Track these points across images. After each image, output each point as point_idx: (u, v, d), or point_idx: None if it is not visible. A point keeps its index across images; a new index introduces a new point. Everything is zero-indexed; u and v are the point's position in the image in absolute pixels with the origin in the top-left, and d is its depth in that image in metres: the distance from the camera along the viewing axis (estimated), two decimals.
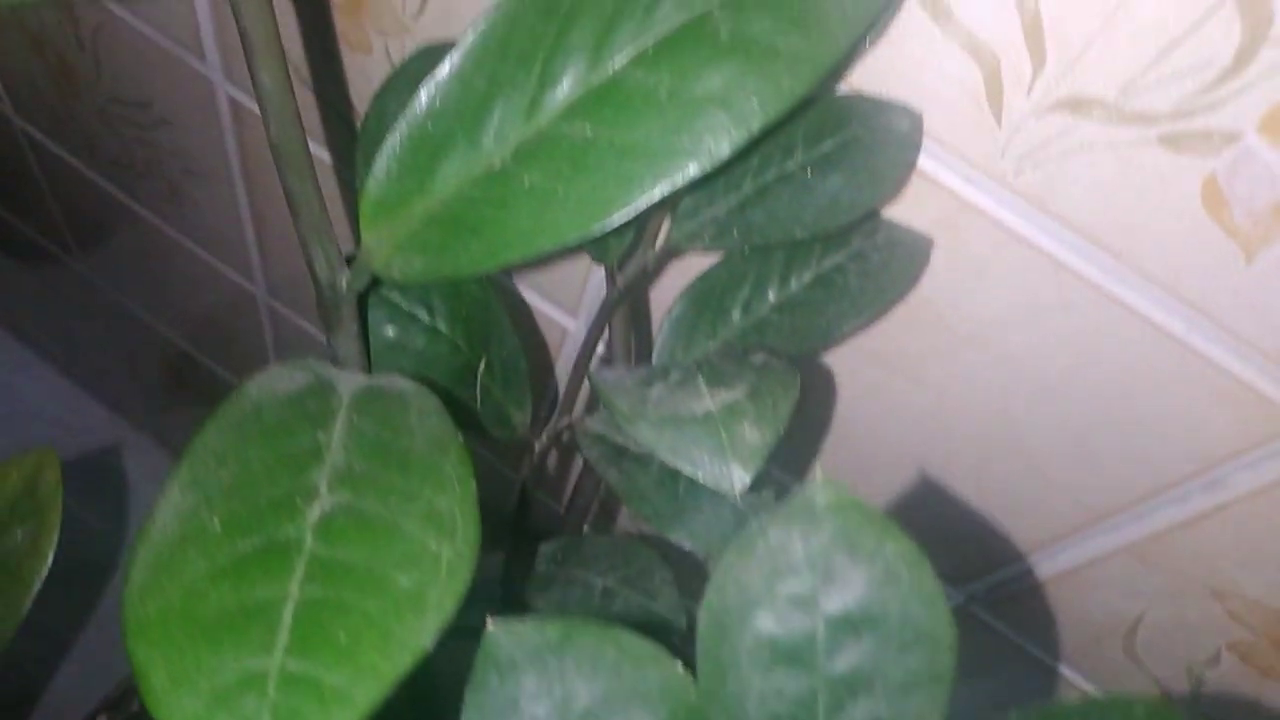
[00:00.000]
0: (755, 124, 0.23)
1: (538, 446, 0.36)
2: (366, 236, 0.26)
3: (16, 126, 0.72)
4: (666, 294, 0.40)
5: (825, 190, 0.27)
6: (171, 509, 0.20)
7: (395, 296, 0.32)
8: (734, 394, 0.25)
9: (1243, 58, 0.23)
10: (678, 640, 0.31)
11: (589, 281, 0.42)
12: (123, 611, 0.18)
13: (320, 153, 0.49)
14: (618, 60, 0.24)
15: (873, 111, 0.28)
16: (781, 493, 0.34)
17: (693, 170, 0.23)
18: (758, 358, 0.27)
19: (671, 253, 0.30)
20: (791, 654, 0.20)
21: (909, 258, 0.30)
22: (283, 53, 0.22)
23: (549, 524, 0.50)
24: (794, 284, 0.31)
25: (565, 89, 0.24)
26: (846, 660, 0.21)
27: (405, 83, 0.29)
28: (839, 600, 0.20)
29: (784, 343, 0.31)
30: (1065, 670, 0.45)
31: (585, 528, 0.40)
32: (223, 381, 0.86)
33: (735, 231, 0.28)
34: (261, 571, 0.19)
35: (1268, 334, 0.28)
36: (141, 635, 0.18)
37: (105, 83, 0.58)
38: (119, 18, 0.52)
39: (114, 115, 0.60)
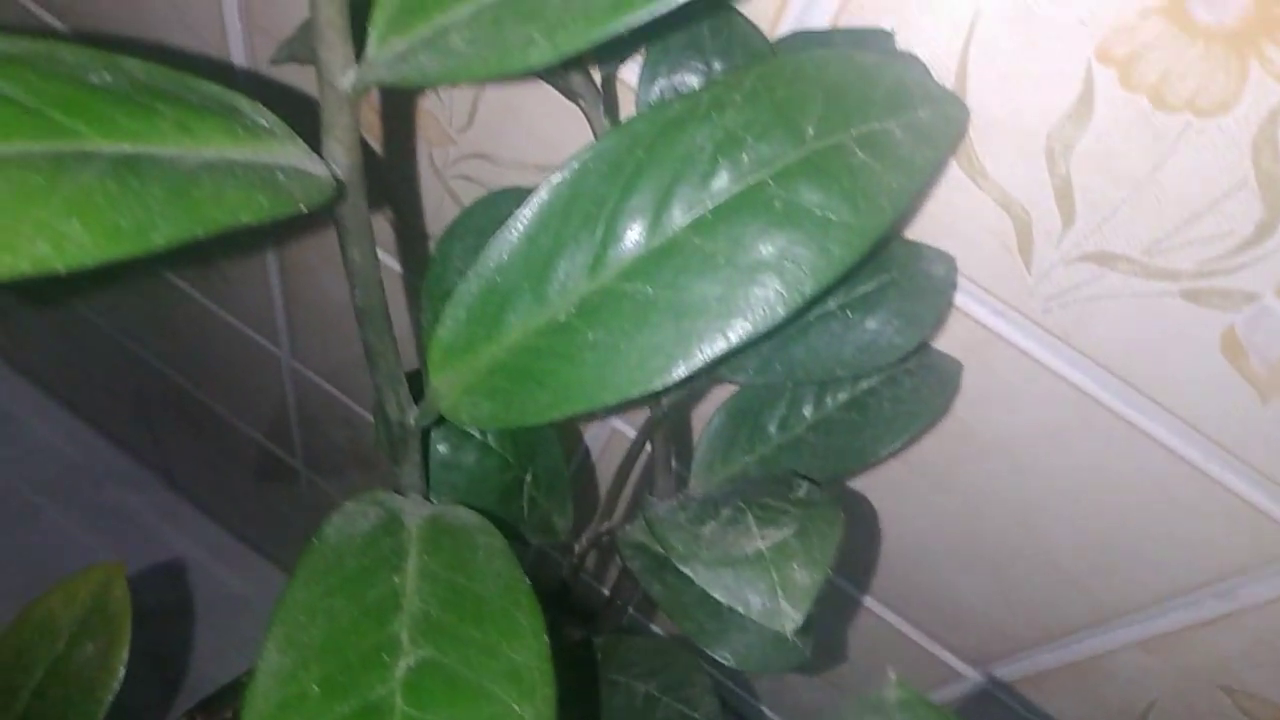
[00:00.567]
0: (808, 289, 0.25)
1: (578, 548, 0.37)
2: (435, 380, 0.27)
3: None
4: (707, 404, 0.42)
5: (864, 330, 0.29)
6: (271, 672, 0.21)
7: None
8: (783, 532, 0.27)
9: (1263, 231, 0.25)
10: None
11: None
12: None
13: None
14: (677, 224, 0.26)
15: (910, 256, 0.29)
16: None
17: (749, 330, 0.25)
18: (801, 489, 0.29)
19: (715, 381, 0.31)
20: None
21: (940, 383, 0.32)
22: (372, 233, 0.24)
23: (589, 599, 0.51)
24: (829, 404, 0.33)
25: (627, 249, 0.26)
26: None
27: (470, 228, 0.31)
28: None
29: (821, 463, 0.32)
30: None
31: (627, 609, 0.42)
32: (235, 428, 0.87)
33: (778, 366, 0.30)
34: None
35: None
36: None
37: None
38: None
39: None
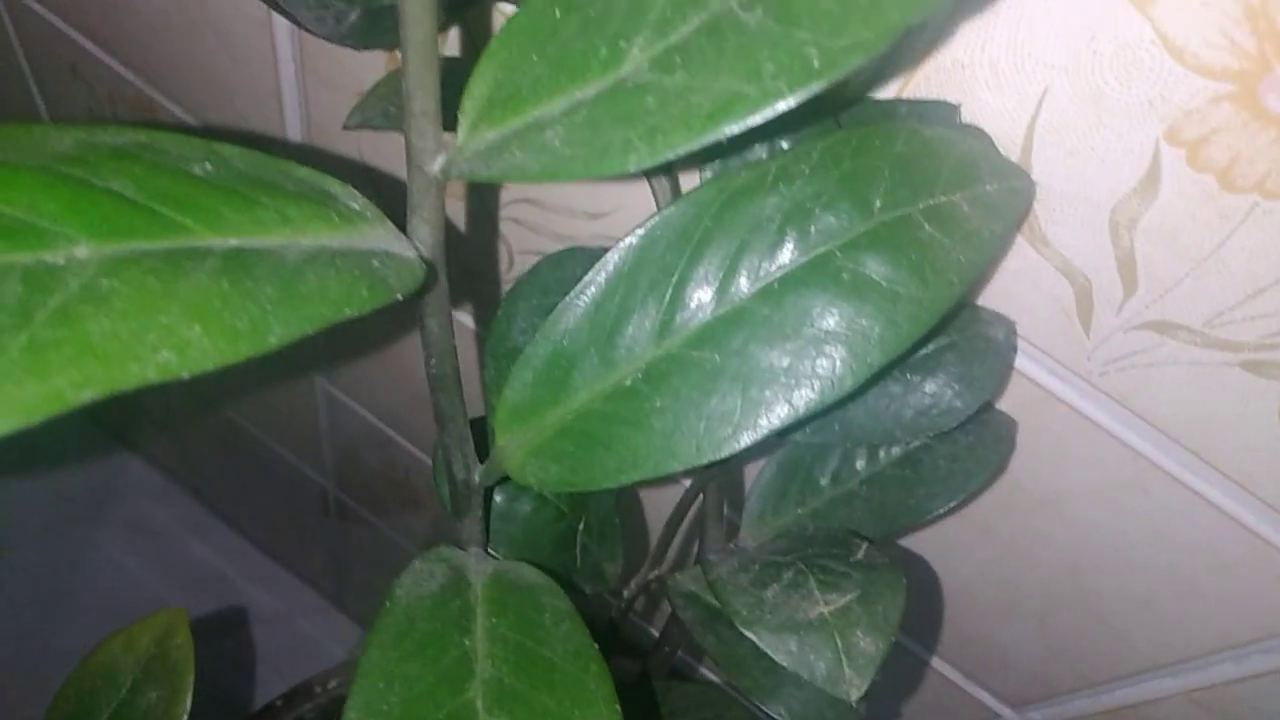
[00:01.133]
0: (875, 361, 0.25)
1: (626, 593, 0.38)
2: (502, 440, 0.28)
3: None
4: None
5: (924, 394, 0.29)
6: None
7: None
8: (845, 598, 0.27)
9: None
10: None
11: None
12: None
13: None
14: (744, 293, 0.26)
15: (969, 319, 0.30)
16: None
17: (815, 401, 0.25)
18: (860, 551, 0.29)
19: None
20: None
21: (996, 441, 0.32)
22: (449, 300, 0.24)
23: (635, 637, 0.52)
24: (883, 458, 0.33)
25: (694, 316, 0.26)
26: None
27: (535, 288, 0.31)
28: None
29: (874, 519, 0.32)
30: None
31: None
32: (264, 445, 0.88)
33: (836, 426, 0.30)
34: None
35: None
36: None
37: None
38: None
39: None
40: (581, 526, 0.35)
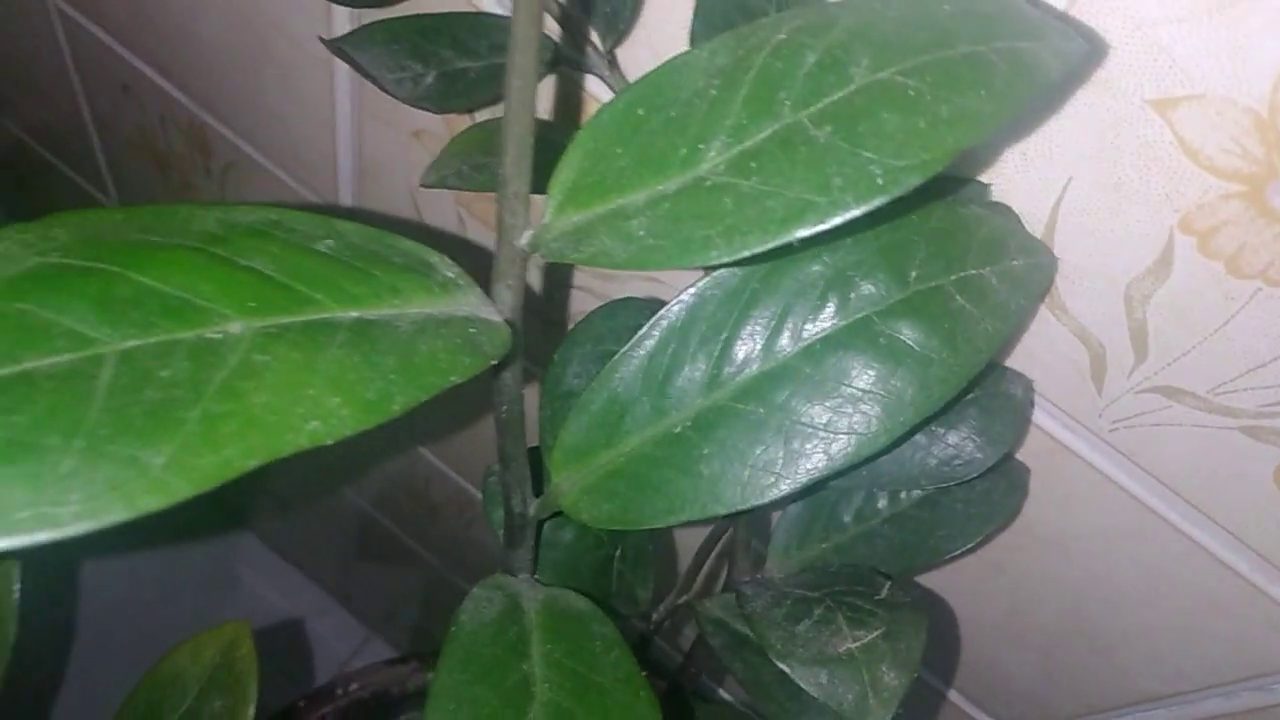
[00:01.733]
0: (908, 420, 0.27)
1: (655, 616, 0.40)
2: (557, 478, 0.30)
3: None
4: None
5: (947, 444, 0.32)
6: None
7: None
8: (871, 635, 0.29)
9: None
10: None
11: None
12: None
13: None
14: (787, 351, 0.28)
15: (992, 376, 0.32)
16: None
17: (852, 455, 0.27)
18: (884, 589, 0.32)
19: None
20: None
21: (1010, 487, 0.34)
22: (523, 354, 0.27)
23: (658, 658, 0.54)
24: (904, 499, 0.36)
25: (741, 371, 0.29)
26: None
27: (590, 335, 0.33)
28: None
29: (894, 557, 0.35)
30: None
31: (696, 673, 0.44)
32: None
33: (864, 472, 0.32)
34: None
35: None
36: None
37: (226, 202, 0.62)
38: (253, 158, 0.56)
39: None
40: (618, 554, 0.38)
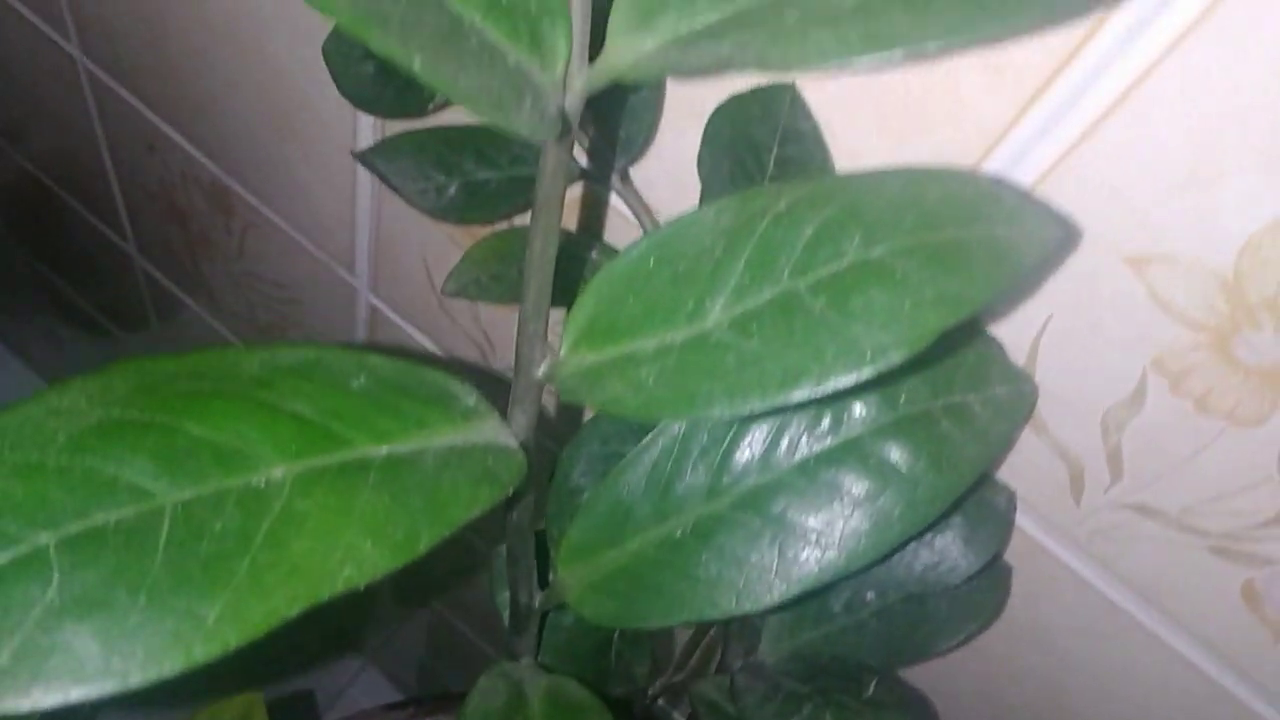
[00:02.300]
0: (895, 536, 0.29)
1: (650, 692, 0.42)
2: (563, 572, 0.32)
3: (137, 265, 0.78)
4: None
5: (933, 549, 0.33)
6: None
7: None
8: None
9: None
10: None
11: None
12: None
13: None
14: (783, 465, 0.30)
15: (974, 485, 0.34)
16: None
17: (843, 564, 0.29)
18: (870, 687, 0.33)
19: None
20: None
21: (993, 588, 0.36)
22: (533, 469, 0.28)
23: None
24: (891, 595, 0.37)
25: (739, 481, 0.30)
26: None
27: (596, 435, 0.35)
28: None
29: (882, 650, 0.36)
30: None
31: None
32: None
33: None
34: None
35: None
36: None
37: (244, 262, 0.64)
38: (272, 221, 0.58)
39: (245, 282, 0.67)
40: (617, 635, 0.39)
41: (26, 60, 0.64)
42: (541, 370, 0.25)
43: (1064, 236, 0.26)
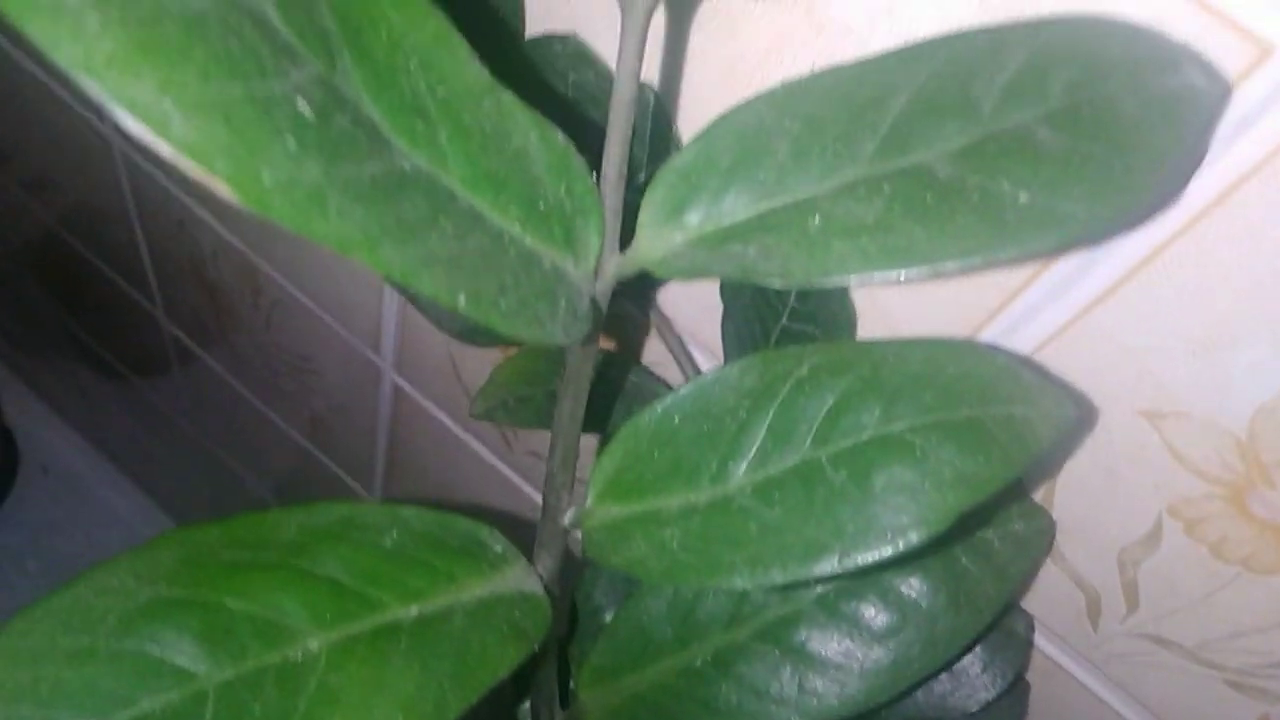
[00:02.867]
0: (914, 672, 0.29)
1: None
2: (583, 694, 0.32)
3: (164, 328, 0.79)
4: None
5: (952, 673, 0.34)
6: None
7: None
8: None
9: None
10: None
11: None
12: None
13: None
14: (804, 595, 0.31)
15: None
16: None
17: (863, 698, 0.30)
18: None
19: None
20: None
21: (1011, 706, 0.36)
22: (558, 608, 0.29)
23: None
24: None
25: (759, 612, 0.31)
26: None
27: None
28: None
29: None
30: None
31: None
32: None
33: None
34: None
35: None
36: None
37: (271, 334, 0.65)
38: (299, 300, 0.59)
39: (271, 351, 0.68)
40: None
41: (64, 139, 0.66)
42: (568, 518, 0.26)
43: (1080, 416, 0.26)
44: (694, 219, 0.21)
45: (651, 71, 0.29)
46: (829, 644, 0.30)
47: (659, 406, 0.25)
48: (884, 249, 0.19)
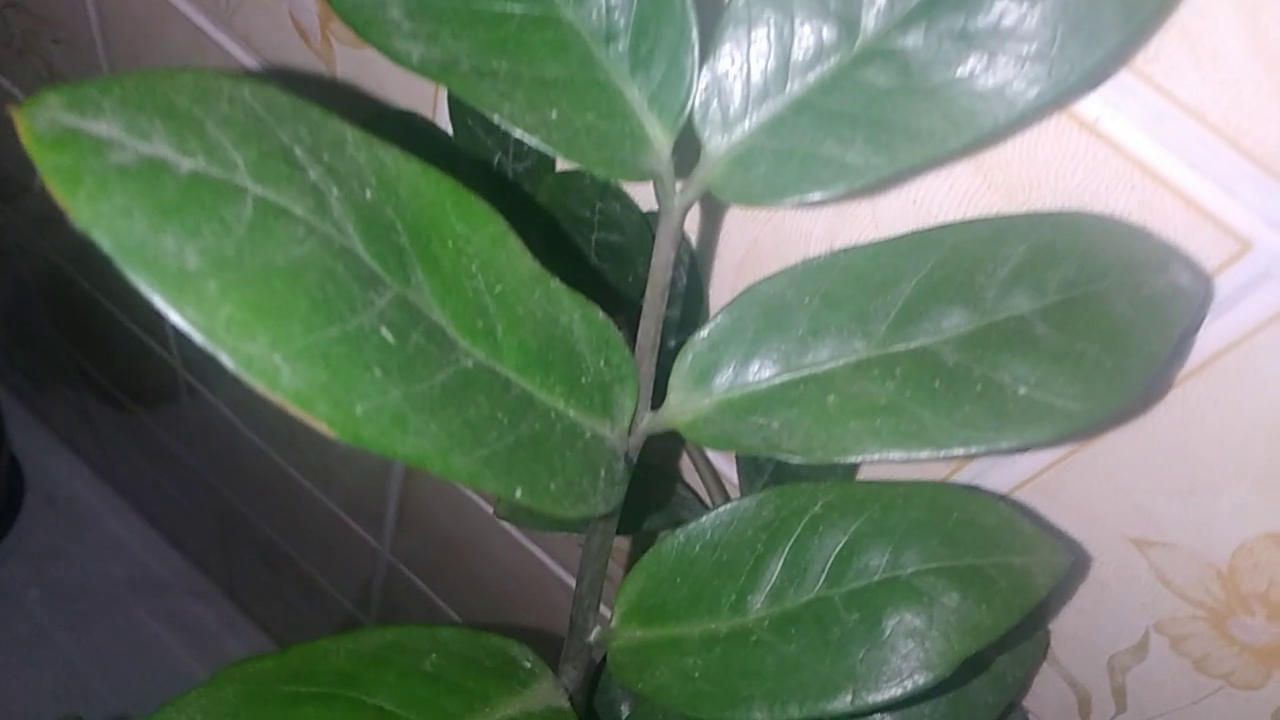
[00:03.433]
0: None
1: None
2: None
3: (180, 377, 0.81)
4: None
5: None
6: None
7: None
8: None
9: None
10: None
11: None
12: None
13: None
14: None
15: None
16: None
17: None
18: None
19: None
20: None
21: None
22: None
23: None
24: None
25: None
26: None
27: None
28: None
29: None
30: None
31: None
32: (313, 579, 0.94)
33: None
34: None
35: None
36: None
37: None
38: None
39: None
40: None
41: None
42: (593, 636, 0.28)
43: (1075, 563, 0.28)
44: (721, 383, 0.22)
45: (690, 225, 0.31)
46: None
47: (681, 535, 0.27)
48: (896, 432, 0.20)
